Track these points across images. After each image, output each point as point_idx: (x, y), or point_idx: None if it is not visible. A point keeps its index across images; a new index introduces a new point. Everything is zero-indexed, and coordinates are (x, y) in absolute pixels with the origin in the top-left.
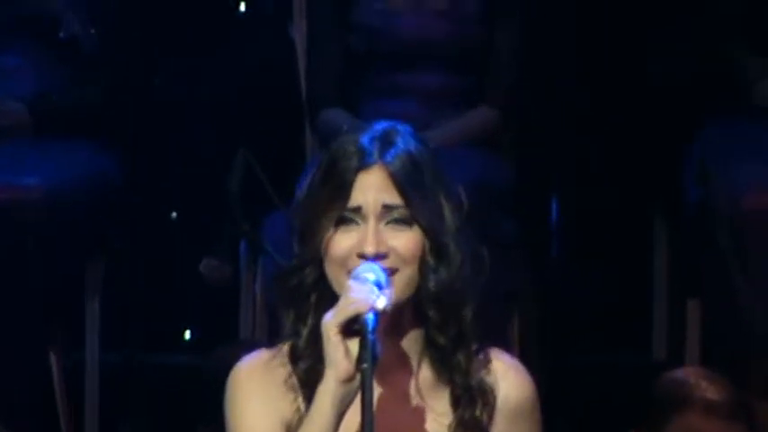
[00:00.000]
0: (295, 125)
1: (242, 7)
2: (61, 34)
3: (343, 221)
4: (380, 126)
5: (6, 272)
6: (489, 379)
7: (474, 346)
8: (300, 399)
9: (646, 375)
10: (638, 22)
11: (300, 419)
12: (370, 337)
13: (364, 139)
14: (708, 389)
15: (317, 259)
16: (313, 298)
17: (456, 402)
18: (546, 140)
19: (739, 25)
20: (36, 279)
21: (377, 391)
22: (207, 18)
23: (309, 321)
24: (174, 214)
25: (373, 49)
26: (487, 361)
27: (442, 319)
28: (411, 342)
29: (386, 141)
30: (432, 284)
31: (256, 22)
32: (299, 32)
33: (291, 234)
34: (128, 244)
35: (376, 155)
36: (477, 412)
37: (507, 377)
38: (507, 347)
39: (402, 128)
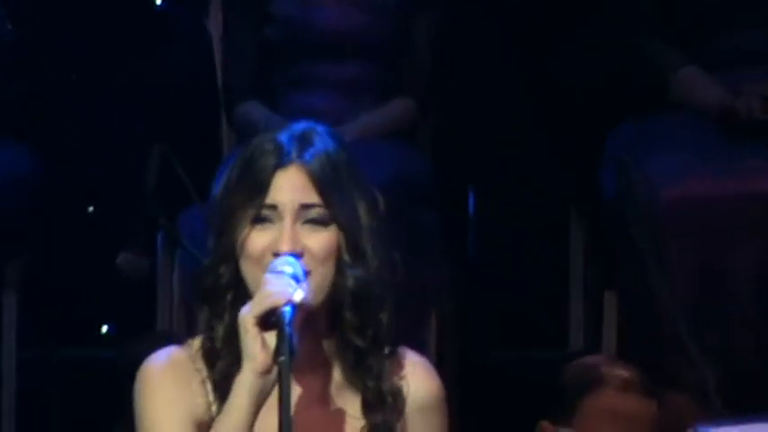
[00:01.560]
0: (212, 118)
1: (158, 1)
2: None
3: (259, 220)
4: (299, 125)
5: None
6: (399, 380)
7: (387, 349)
8: (213, 397)
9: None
10: (553, 14)
11: (212, 417)
12: (287, 329)
13: (282, 138)
14: (620, 369)
15: (232, 257)
16: (229, 297)
17: (367, 407)
18: (463, 133)
19: (652, 17)
20: None
21: (293, 390)
22: (123, 12)
23: (225, 319)
24: (91, 208)
25: (290, 40)
26: (398, 362)
27: (360, 321)
28: (326, 345)
29: (304, 141)
30: (350, 284)
31: (173, 16)
32: (215, 25)
33: (208, 231)
34: (44, 238)
35: (294, 154)
36: (389, 417)
37: (414, 375)
38: (425, 343)
39: (320, 128)
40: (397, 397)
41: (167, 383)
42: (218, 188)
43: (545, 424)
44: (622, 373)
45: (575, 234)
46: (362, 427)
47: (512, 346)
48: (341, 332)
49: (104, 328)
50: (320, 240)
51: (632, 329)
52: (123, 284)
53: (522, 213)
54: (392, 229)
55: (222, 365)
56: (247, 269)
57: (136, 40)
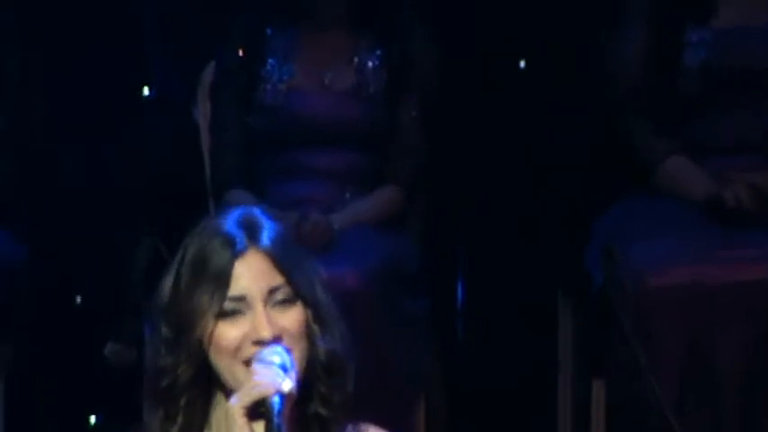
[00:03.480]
0: (201, 207)
1: (146, 91)
2: None
3: (225, 314)
4: (236, 212)
5: None
6: None
7: (349, 426)
8: None
9: None
10: (542, 98)
11: None
12: (276, 420)
13: (228, 228)
14: None
15: (193, 357)
16: (184, 399)
17: None
18: (451, 220)
19: (639, 103)
20: None
21: None
22: (111, 101)
23: (179, 421)
24: (78, 298)
25: (275, 130)
26: None
27: (329, 390)
28: (296, 420)
29: (251, 225)
30: (321, 354)
31: (160, 106)
32: (202, 115)
33: (156, 335)
34: (31, 329)
35: (246, 240)
36: None
37: None
38: (413, 428)
39: (256, 209)
40: None
41: None
42: (163, 291)
43: None
44: None
45: (563, 321)
46: None
47: None
48: (307, 404)
49: (92, 419)
50: (292, 318)
51: (620, 417)
52: (111, 375)
53: (511, 301)
54: (380, 315)
55: None
56: (223, 363)
57: (124, 129)
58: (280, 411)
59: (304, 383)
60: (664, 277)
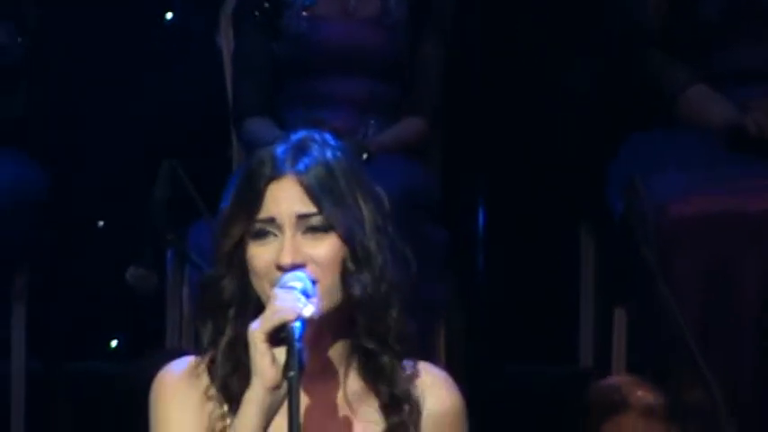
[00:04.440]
0: (222, 133)
1: (168, 16)
2: None
3: (259, 234)
4: (296, 135)
5: None
6: (416, 391)
7: (402, 360)
8: (223, 409)
9: (573, 383)
10: (563, 31)
11: (224, 429)
12: (296, 344)
13: (278, 150)
14: (644, 393)
15: (233, 270)
16: (231, 311)
17: (385, 410)
18: (472, 149)
19: (659, 33)
20: None
21: (304, 401)
22: (133, 28)
23: (227, 332)
24: (101, 223)
25: (298, 57)
26: (415, 374)
27: (370, 323)
28: (337, 352)
29: (299, 150)
30: (356, 290)
31: (183, 31)
32: (225, 41)
33: (212, 245)
34: (54, 253)
35: (288, 164)
36: (405, 419)
37: (434, 389)
38: (433, 358)
39: (318, 135)
40: (412, 403)
41: (181, 395)
42: (223, 203)
43: None
44: (646, 397)
45: (585, 250)
46: None
47: (521, 362)
48: (353, 336)
49: (113, 343)
50: (322, 249)
51: (641, 345)
52: (132, 299)
53: (532, 229)
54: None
55: (222, 375)
56: (256, 283)
57: (146, 54)
58: (301, 336)
59: (342, 316)
60: (684, 207)
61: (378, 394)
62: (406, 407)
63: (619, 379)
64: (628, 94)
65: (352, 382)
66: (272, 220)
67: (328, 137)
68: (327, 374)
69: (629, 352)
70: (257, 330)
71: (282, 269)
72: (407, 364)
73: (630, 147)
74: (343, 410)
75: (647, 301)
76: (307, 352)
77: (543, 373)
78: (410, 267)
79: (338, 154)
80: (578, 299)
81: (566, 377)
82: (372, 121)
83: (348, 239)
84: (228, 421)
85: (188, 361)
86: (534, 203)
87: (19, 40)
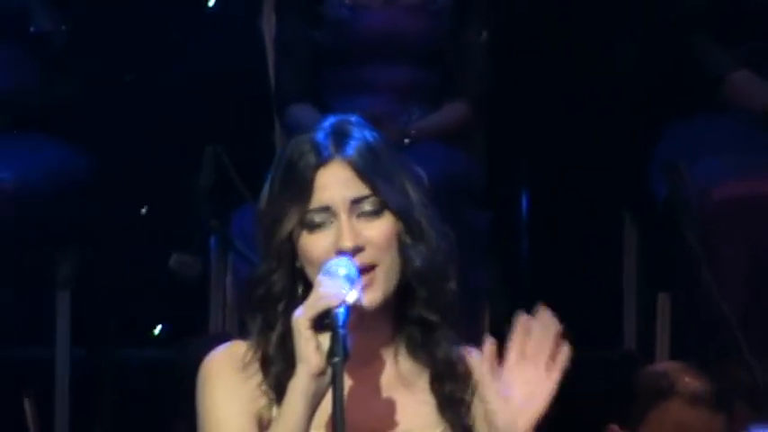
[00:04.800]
0: (264, 120)
1: (211, 2)
2: (32, 29)
3: (313, 224)
4: (330, 120)
5: None
6: (466, 369)
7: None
8: (272, 400)
9: (617, 368)
10: (607, 15)
11: (271, 418)
12: (340, 331)
13: (318, 136)
14: (691, 380)
15: (285, 264)
16: (281, 305)
17: (440, 379)
18: (516, 135)
19: (706, 17)
20: (7, 272)
21: (349, 385)
22: (177, 14)
23: (278, 328)
24: (144, 210)
25: (342, 44)
26: (466, 355)
27: (432, 295)
28: (384, 334)
29: (339, 134)
30: (417, 262)
31: (226, 17)
32: (268, 27)
33: (258, 239)
34: (98, 239)
35: (332, 149)
36: (456, 387)
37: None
38: (478, 343)
39: (353, 118)
40: (465, 376)
41: (230, 376)
42: (263, 195)
43: (615, 429)
44: (693, 384)
45: (628, 236)
46: (436, 405)
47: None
48: (410, 312)
49: (157, 330)
50: (379, 230)
51: (685, 331)
52: (176, 286)
53: (576, 215)
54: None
55: (275, 372)
56: (313, 273)
57: (189, 40)
58: (345, 322)
59: (405, 290)
60: (728, 191)
61: (433, 364)
62: (460, 377)
63: (666, 365)
64: (671, 78)
65: (405, 362)
66: (326, 209)
67: (361, 119)
68: (376, 358)
69: (672, 337)
70: (301, 317)
71: (343, 254)
72: (460, 348)
73: (673, 131)
74: (390, 392)
75: (690, 285)
76: (351, 337)
77: (587, 358)
78: (452, 244)
79: (375, 135)
80: (622, 284)
81: (609, 362)
82: (415, 108)
83: (402, 216)
84: (275, 412)
85: (236, 346)
86: (578, 188)
87: (63, 27)
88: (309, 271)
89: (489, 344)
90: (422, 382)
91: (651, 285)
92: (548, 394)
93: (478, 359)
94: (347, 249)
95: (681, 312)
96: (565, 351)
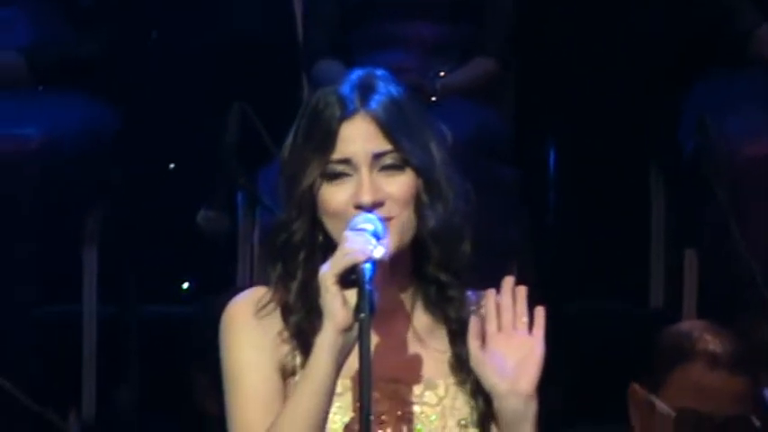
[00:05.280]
0: (292, 76)
1: None
2: None
3: (333, 175)
4: (357, 73)
5: (5, 221)
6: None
7: (467, 291)
8: (294, 349)
9: (643, 324)
10: None
11: (294, 366)
12: (367, 287)
13: (344, 89)
14: (712, 342)
15: (305, 213)
16: (302, 254)
17: (453, 337)
18: (543, 91)
19: None
20: (34, 229)
21: (374, 340)
22: None
23: (299, 276)
24: (172, 165)
25: (369, 1)
26: (479, 304)
27: (445, 256)
28: (405, 289)
29: (365, 88)
30: (432, 222)
31: None
32: None
33: (280, 188)
34: (125, 195)
35: (357, 103)
36: None
37: None
38: None
39: (379, 72)
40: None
41: (252, 323)
42: (286, 145)
43: (636, 388)
44: (713, 347)
45: (655, 192)
46: (449, 360)
47: (592, 300)
48: (425, 269)
49: (185, 285)
50: (399, 185)
51: (712, 286)
52: (204, 242)
53: (603, 171)
54: (473, 184)
55: (295, 320)
56: (331, 225)
57: None
58: (371, 278)
59: (419, 247)
60: (756, 146)
61: (446, 322)
62: None
63: (689, 324)
64: (699, 33)
65: (421, 318)
66: (347, 161)
67: (387, 74)
68: (396, 312)
69: (699, 293)
70: (328, 272)
71: (362, 208)
72: (472, 294)
73: (702, 86)
74: (412, 345)
75: (718, 241)
76: (377, 293)
77: (614, 312)
78: (472, 204)
79: (401, 90)
80: (649, 239)
81: (636, 317)
82: (443, 64)
83: (423, 174)
84: (299, 360)
85: (257, 292)
86: (605, 144)
87: None
88: (327, 221)
89: (474, 321)
90: (439, 336)
91: (679, 241)
92: (538, 355)
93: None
94: (366, 204)
95: (709, 269)
96: (539, 311)
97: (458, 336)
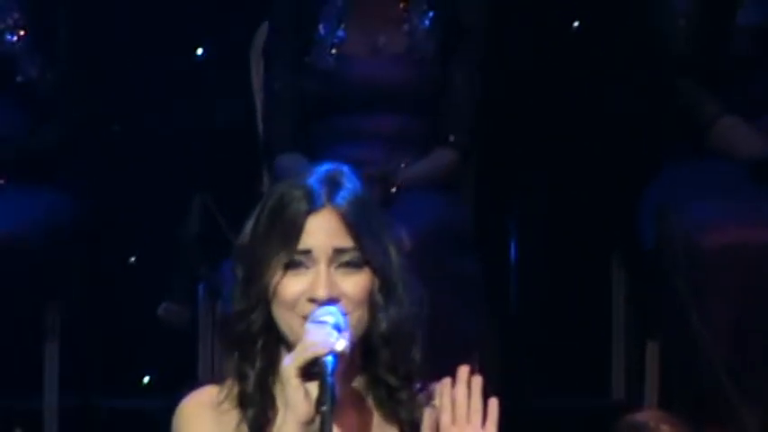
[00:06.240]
0: (252, 169)
1: (199, 51)
2: (18, 78)
3: (291, 265)
4: (325, 168)
5: None
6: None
7: (418, 384)
8: None
9: (605, 416)
10: (596, 60)
11: None
12: (329, 379)
13: (312, 182)
14: (672, 429)
15: (264, 303)
16: (260, 343)
17: None
18: (505, 180)
19: (693, 63)
20: None
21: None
22: (164, 63)
23: (257, 365)
24: (133, 258)
25: (329, 94)
26: (430, 396)
27: (394, 360)
28: (358, 383)
29: (333, 183)
30: (383, 325)
31: (213, 67)
32: (256, 76)
33: (235, 278)
34: (86, 288)
35: (324, 197)
36: None
37: None
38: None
39: (345, 169)
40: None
41: (204, 421)
42: (245, 234)
43: None
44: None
45: (616, 283)
46: None
47: (554, 394)
48: (374, 370)
49: (146, 379)
50: (356, 284)
51: (674, 379)
52: (165, 335)
53: (564, 262)
54: (434, 277)
55: (254, 411)
56: (281, 315)
57: (176, 89)
58: (333, 371)
59: (369, 349)
60: (716, 237)
61: (398, 423)
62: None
63: (647, 414)
64: (660, 122)
65: (373, 413)
66: (307, 252)
67: (353, 171)
68: (351, 405)
69: (661, 384)
70: (290, 365)
71: (316, 302)
72: (419, 386)
73: (662, 176)
74: None
75: (679, 332)
76: (338, 386)
77: (575, 407)
78: (426, 308)
79: (364, 188)
80: (611, 331)
81: (598, 410)
82: (403, 156)
83: (380, 275)
84: None
85: (208, 390)
86: (566, 235)
87: (49, 76)
88: (277, 310)
89: (428, 413)
90: None
91: (640, 332)
92: None
93: None
94: (320, 298)
95: (670, 360)
96: (493, 404)
97: None
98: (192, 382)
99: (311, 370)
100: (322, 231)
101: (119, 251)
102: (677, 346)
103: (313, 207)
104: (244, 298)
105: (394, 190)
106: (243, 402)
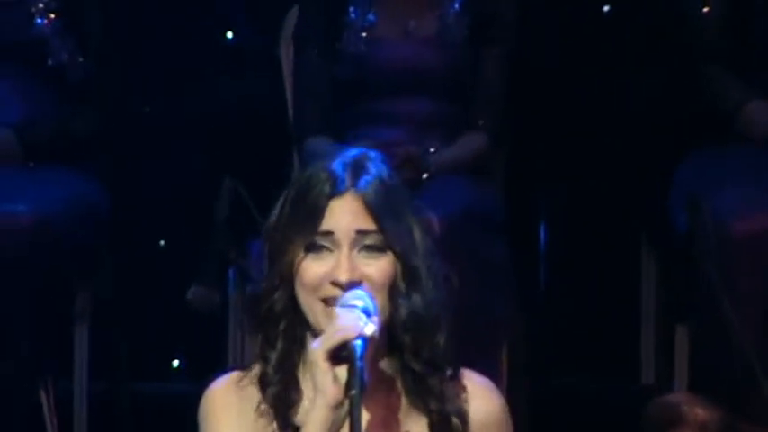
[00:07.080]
0: (283, 152)
1: (229, 35)
2: (50, 62)
3: (314, 247)
4: (351, 152)
5: None
6: (462, 402)
7: (448, 371)
8: (272, 423)
9: (635, 400)
10: (627, 46)
11: None
12: (358, 363)
13: (336, 166)
14: (700, 411)
15: (286, 284)
16: (282, 324)
17: (434, 429)
18: (535, 166)
19: (721, 49)
20: (24, 307)
21: (364, 416)
22: (195, 46)
23: (278, 346)
24: (162, 242)
25: (360, 78)
26: (460, 384)
27: (416, 345)
28: (388, 368)
29: (357, 167)
30: (404, 311)
31: (244, 50)
32: (286, 60)
33: (263, 258)
34: (116, 272)
35: (348, 181)
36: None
37: (477, 396)
38: (496, 372)
39: (372, 153)
40: (463, 419)
41: (230, 409)
42: (273, 215)
43: None
44: (702, 414)
45: (646, 267)
46: None
47: (583, 378)
48: (399, 355)
49: (175, 363)
50: (378, 268)
51: (704, 363)
52: (195, 318)
53: (594, 246)
54: (463, 262)
55: (274, 392)
56: (303, 296)
57: (208, 73)
58: (362, 355)
59: (390, 333)
60: (747, 223)
61: (427, 412)
62: (456, 424)
63: (677, 396)
64: (690, 108)
65: (402, 400)
66: (329, 234)
67: (381, 156)
68: (381, 391)
69: (691, 369)
70: (319, 349)
71: (337, 285)
72: (450, 373)
73: (693, 162)
74: (397, 426)
75: (708, 318)
76: (367, 370)
77: (605, 389)
78: (452, 292)
79: (392, 173)
80: (640, 315)
81: (627, 394)
82: (434, 141)
83: (403, 260)
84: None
85: (232, 376)
86: (596, 220)
87: (80, 58)
88: (300, 292)
89: None
90: (421, 422)
91: (670, 317)
92: None
93: (473, 383)
94: (342, 282)
95: (699, 344)
96: None
97: (440, 428)
98: (222, 367)
99: (340, 354)
100: (344, 214)
101: (149, 235)
102: (708, 331)
103: (336, 191)
104: (268, 277)
105: (425, 176)
106: (264, 383)
